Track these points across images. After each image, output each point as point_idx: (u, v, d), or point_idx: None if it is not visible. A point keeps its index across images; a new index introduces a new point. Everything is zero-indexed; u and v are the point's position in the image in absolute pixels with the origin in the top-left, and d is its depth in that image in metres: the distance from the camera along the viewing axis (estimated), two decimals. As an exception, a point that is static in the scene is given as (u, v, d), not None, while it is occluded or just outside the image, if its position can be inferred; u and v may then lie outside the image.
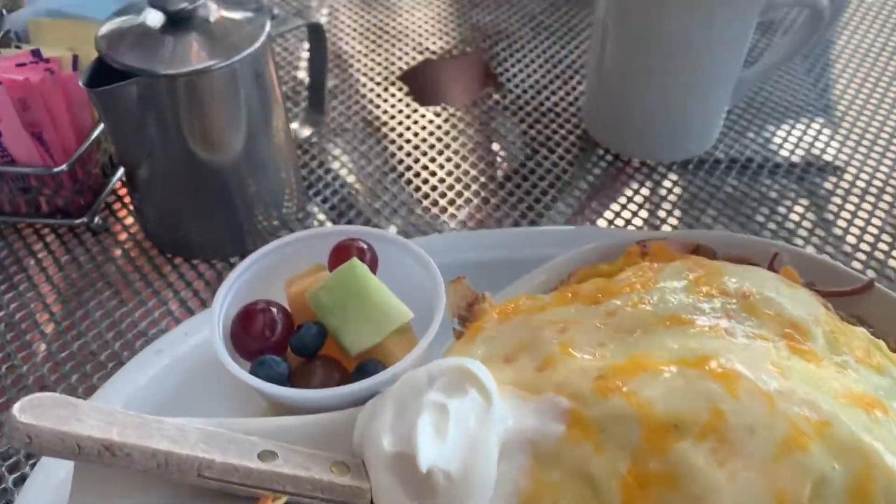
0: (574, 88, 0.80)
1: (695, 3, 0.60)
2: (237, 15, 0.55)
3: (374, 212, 0.67)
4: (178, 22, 0.53)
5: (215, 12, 0.54)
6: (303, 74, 0.82)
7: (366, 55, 0.85)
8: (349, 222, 0.66)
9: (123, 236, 0.64)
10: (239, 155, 0.57)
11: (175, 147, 0.55)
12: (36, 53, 0.61)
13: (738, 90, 0.68)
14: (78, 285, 0.61)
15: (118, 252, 0.63)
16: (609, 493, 0.35)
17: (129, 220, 0.65)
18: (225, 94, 0.54)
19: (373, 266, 0.47)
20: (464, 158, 0.72)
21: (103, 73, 0.52)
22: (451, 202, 0.68)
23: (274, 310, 0.44)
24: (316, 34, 0.65)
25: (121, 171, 0.66)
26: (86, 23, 0.64)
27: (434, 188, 0.69)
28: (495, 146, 0.74)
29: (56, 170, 0.60)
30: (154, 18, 0.53)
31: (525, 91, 0.80)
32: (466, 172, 0.71)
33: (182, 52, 0.52)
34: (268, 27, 0.55)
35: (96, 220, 0.64)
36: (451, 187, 0.69)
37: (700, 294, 0.42)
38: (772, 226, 0.65)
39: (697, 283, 0.43)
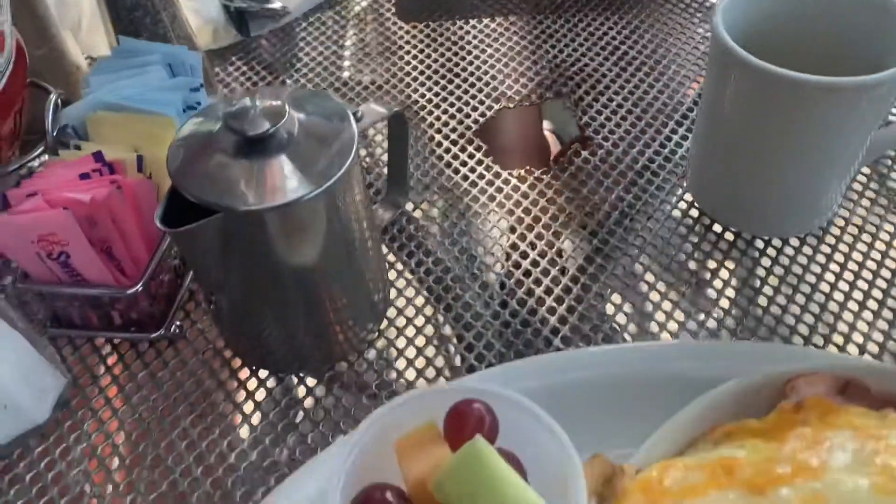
0: (669, 139, 0.73)
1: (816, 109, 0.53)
2: (320, 125, 0.50)
3: (465, 306, 0.62)
4: (256, 142, 0.48)
5: (296, 128, 0.49)
6: (377, 150, 0.76)
7: (437, 106, 0.79)
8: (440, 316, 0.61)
9: (202, 342, 0.60)
10: (330, 272, 0.52)
11: (261, 273, 0.50)
12: (98, 157, 0.56)
13: (870, 152, 0.61)
14: (158, 404, 0.57)
15: (198, 366, 0.59)
16: None
17: (207, 323, 0.61)
18: (317, 221, 0.49)
19: (492, 433, 0.42)
20: (556, 235, 0.66)
21: (178, 205, 0.47)
22: (548, 291, 0.62)
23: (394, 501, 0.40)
24: (398, 122, 0.59)
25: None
26: (148, 118, 0.59)
27: (527, 273, 0.64)
28: (589, 220, 0.68)
29: (129, 291, 0.56)
30: (230, 140, 0.48)
31: (616, 145, 0.73)
32: (561, 253, 0.65)
33: (266, 180, 0.47)
34: (356, 138, 0.49)
35: (173, 328, 0.60)
36: (545, 272, 0.63)
37: (884, 491, 0.37)
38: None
39: (880, 473, 0.38)
